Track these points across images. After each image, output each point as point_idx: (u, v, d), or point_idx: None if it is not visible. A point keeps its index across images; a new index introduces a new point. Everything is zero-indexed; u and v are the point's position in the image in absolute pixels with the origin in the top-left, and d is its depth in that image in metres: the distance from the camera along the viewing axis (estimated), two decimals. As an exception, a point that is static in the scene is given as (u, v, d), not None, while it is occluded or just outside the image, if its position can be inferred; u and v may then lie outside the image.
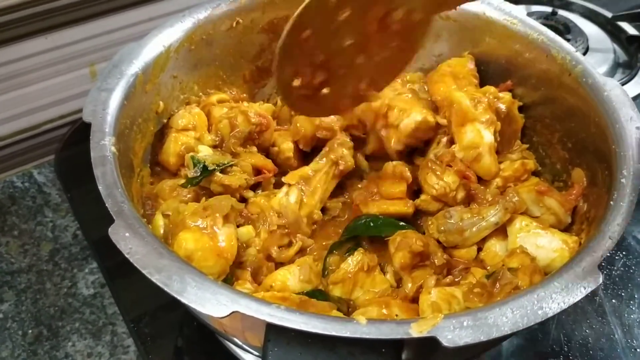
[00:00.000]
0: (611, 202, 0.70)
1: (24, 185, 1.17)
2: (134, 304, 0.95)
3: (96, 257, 1.03)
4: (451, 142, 0.86)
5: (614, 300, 0.95)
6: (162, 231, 0.78)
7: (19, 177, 1.19)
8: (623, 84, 1.22)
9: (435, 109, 0.93)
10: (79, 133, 1.20)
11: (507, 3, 0.94)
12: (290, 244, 0.83)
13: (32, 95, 1.17)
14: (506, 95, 0.89)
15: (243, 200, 0.86)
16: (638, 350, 0.89)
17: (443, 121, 0.88)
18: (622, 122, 0.77)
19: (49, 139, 1.24)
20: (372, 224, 0.82)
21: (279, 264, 0.80)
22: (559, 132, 0.89)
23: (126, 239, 0.62)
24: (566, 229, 0.82)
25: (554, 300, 0.60)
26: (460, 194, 0.82)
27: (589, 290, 0.61)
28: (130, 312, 0.94)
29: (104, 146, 0.72)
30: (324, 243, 0.85)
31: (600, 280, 0.62)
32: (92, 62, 1.20)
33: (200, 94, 0.96)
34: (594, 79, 0.82)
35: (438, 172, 0.82)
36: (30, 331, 0.95)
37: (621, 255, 1.01)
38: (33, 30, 1.10)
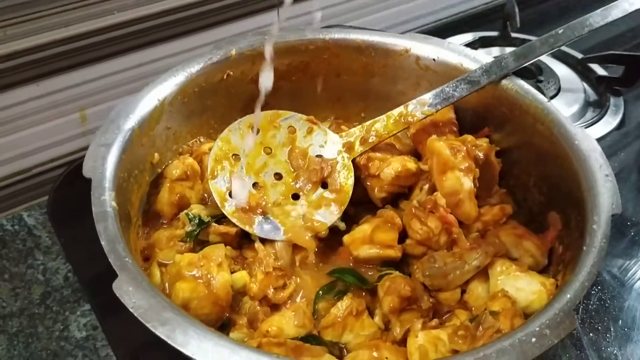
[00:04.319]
0: (584, 247, 0.74)
1: (14, 228, 1.18)
2: (127, 345, 0.95)
3: (88, 299, 1.04)
4: (433, 188, 0.90)
5: (591, 334, 0.98)
6: (159, 280, 0.80)
7: (9, 220, 1.19)
8: (594, 123, 1.28)
9: (417, 155, 0.98)
10: (71, 176, 1.21)
11: (483, 54, 1.00)
12: (284, 286, 0.85)
13: (22, 140, 1.18)
14: (484, 143, 0.94)
15: (240, 247, 0.89)
16: (615, 382, 0.93)
17: (425, 167, 0.93)
18: (592, 170, 0.81)
19: (39, 182, 1.25)
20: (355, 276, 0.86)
21: (274, 309, 0.83)
22: (534, 177, 0.93)
23: (129, 294, 0.65)
24: (544, 270, 0.86)
25: (534, 344, 0.64)
26: (443, 238, 0.85)
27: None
28: (123, 354, 0.94)
29: (104, 201, 0.74)
30: (316, 285, 0.87)
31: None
32: (82, 107, 1.21)
33: (192, 142, 0.99)
34: (565, 129, 0.87)
35: (422, 218, 0.86)
36: (23, 376, 0.96)
37: (596, 290, 1.04)
38: (24, 78, 1.11)
